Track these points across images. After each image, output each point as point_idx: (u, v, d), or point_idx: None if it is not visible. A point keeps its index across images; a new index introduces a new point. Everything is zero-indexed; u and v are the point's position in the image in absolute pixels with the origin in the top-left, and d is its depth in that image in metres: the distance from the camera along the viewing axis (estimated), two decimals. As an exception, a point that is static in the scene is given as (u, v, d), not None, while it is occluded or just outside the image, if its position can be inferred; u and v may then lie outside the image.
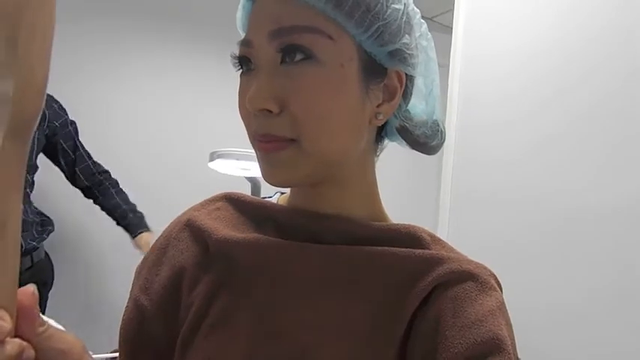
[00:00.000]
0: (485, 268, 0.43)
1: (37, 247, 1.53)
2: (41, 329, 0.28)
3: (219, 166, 1.51)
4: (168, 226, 0.50)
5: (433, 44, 0.48)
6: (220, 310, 0.41)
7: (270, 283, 0.42)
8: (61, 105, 1.66)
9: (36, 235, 1.52)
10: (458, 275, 0.40)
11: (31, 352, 0.27)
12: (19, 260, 0.27)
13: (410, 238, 0.44)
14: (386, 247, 0.42)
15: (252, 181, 1.62)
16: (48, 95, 1.58)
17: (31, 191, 1.57)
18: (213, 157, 1.47)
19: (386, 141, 0.50)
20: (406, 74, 0.44)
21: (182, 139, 2.24)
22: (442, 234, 1.29)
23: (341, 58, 0.39)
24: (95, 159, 1.75)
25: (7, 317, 0.25)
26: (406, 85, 0.44)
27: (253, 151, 1.46)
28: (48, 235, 1.59)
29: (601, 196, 1.02)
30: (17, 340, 0.26)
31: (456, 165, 1.31)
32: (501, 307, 0.40)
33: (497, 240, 1.16)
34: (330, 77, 0.39)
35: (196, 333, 0.42)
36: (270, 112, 0.38)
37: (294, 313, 0.41)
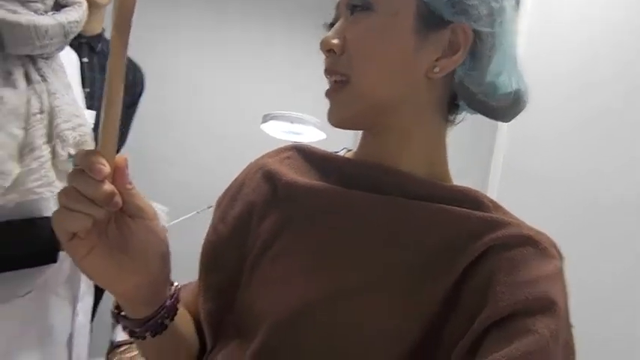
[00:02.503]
0: (547, 236, 0.43)
1: None
2: (129, 187, 0.37)
3: (271, 128, 1.55)
4: (245, 168, 0.57)
5: (513, 2, 0.46)
6: (283, 244, 0.46)
7: (329, 226, 0.45)
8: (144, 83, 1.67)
9: None
10: (517, 239, 0.40)
11: (119, 199, 0.36)
12: (118, 131, 0.37)
13: (471, 200, 0.44)
14: (445, 205, 0.43)
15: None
16: (136, 65, 1.66)
17: (117, 149, 1.64)
18: (266, 119, 1.51)
19: (463, 112, 0.50)
20: (478, 35, 0.43)
21: (232, 105, 2.29)
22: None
23: (395, 8, 0.43)
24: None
25: (107, 165, 0.35)
26: (476, 43, 0.44)
27: (306, 116, 1.49)
28: None
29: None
30: (112, 185, 0.36)
31: (510, 144, 1.27)
32: (560, 274, 0.40)
33: (547, 223, 1.13)
34: (381, 23, 0.43)
35: (262, 260, 0.47)
36: (335, 52, 0.45)
37: (347, 256, 0.43)
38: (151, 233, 0.40)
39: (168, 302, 0.44)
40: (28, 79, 0.62)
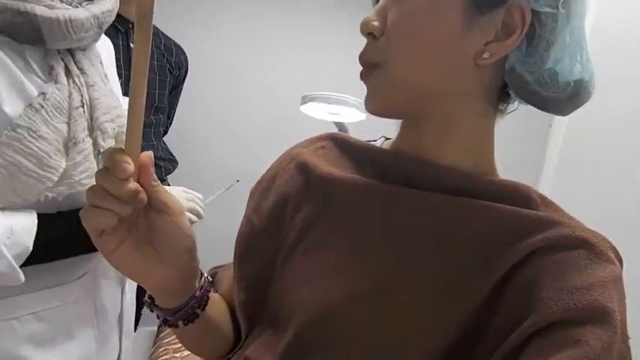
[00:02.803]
0: (605, 239, 0.39)
1: (164, 180, 1.69)
2: (154, 183, 0.38)
3: (310, 109, 1.53)
4: (279, 159, 0.55)
5: None
6: (316, 237, 0.46)
7: (363, 220, 0.44)
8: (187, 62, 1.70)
9: (164, 170, 1.67)
10: (568, 241, 0.37)
11: (145, 195, 0.37)
12: (142, 130, 0.36)
13: (517, 196, 0.41)
14: (488, 202, 0.40)
15: (340, 126, 1.62)
16: (180, 47, 1.65)
17: (163, 130, 1.71)
18: (305, 100, 1.49)
19: (516, 102, 0.45)
20: (537, 16, 0.38)
21: (272, 85, 2.27)
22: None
23: None
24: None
25: (132, 164, 0.35)
26: (534, 25, 0.39)
27: (345, 96, 1.45)
28: (173, 171, 1.74)
29: None
30: (136, 183, 0.36)
31: (568, 131, 1.17)
32: (616, 281, 0.36)
33: (605, 219, 1.04)
34: (426, 2, 0.39)
35: (294, 253, 0.47)
36: (375, 36, 0.41)
37: (381, 252, 0.42)
38: (176, 228, 0.40)
39: (198, 293, 0.46)
40: (68, 73, 0.64)
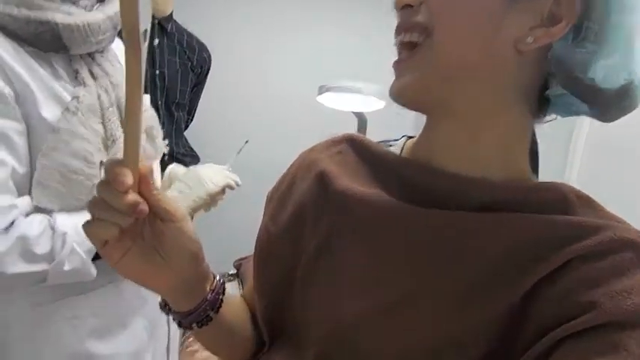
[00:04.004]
0: None
1: None
2: (155, 192, 0.38)
3: (327, 99, 1.52)
4: (295, 162, 0.53)
5: None
6: (334, 253, 0.45)
7: (382, 236, 0.42)
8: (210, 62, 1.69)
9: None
10: (609, 246, 0.35)
11: (145, 206, 0.37)
12: (141, 140, 0.37)
13: (553, 199, 0.39)
14: (518, 214, 0.38)
15: (359, 116, 1.61)
16: (203, 45, 1.65)
17: (185, 127, 1.73)
18: (321, 90, 1.49)
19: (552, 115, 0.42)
20: (587, 5, 0.35)
21: (289, 74, 2.26)
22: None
23: None
24: (201, 98, 1.77)
25: (130, 176, 0.35)
26: (583, 15, 0.36)
27: (362, 85, 1.41)
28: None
29: None
30: (136, 194, 0.36)
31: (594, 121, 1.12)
32: None
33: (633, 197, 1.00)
34: None
35: (313, 267, 0.46)
36: (411, 7, 0.40)
37: (401, 266, 0.41)
38: (181, 234, 0.40)
39: (210, 296, 0.45)
40: (93, 76, 0.67)
